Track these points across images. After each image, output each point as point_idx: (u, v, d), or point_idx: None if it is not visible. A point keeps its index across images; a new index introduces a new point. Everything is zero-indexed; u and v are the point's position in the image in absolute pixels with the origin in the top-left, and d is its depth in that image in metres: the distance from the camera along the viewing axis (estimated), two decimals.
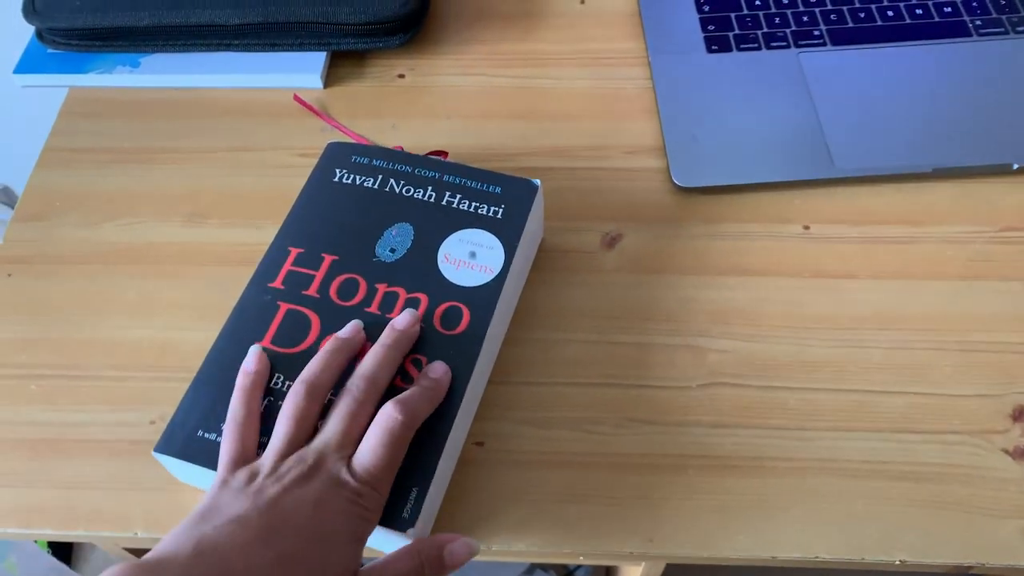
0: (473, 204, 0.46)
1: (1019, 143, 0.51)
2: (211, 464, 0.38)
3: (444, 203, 0.46)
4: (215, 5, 0.57)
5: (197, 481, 0.42)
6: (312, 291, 0.43)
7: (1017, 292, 0.47)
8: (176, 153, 0.56)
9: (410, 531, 0.37)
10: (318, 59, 0.59)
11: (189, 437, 0.39)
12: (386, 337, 0.40)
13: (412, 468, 0.38)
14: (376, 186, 0.47)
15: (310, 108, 0.57)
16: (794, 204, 0.51)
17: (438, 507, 0.41)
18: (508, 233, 0.45)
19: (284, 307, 0.43)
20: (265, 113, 0.58)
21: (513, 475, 0.43)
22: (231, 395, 0.40)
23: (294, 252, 0.45)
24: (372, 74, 0.60)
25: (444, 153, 0.53)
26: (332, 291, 0.43)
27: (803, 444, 0.43)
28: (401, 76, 0.59)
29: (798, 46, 0.57)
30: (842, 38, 0.57)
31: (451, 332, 0.42)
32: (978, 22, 0.57)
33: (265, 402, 0.40)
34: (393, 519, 0.37)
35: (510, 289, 0.45)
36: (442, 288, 0.43)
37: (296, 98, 0.58)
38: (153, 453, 0.40)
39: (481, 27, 0.62)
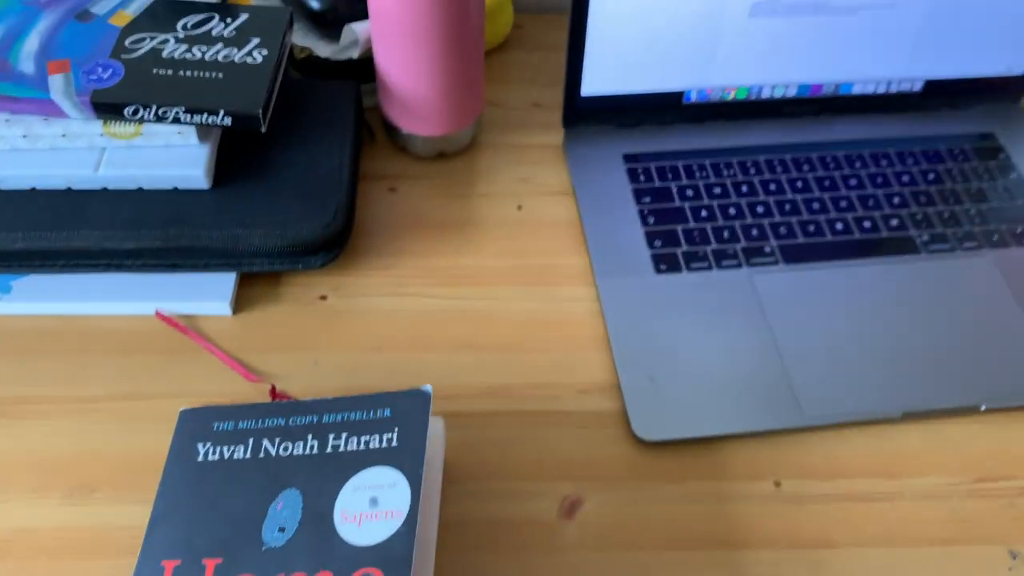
0: (362, 440, 0.40)
1: (983, 381, 0.49)
2: None
3: (329, 450, 0.40)
4: (105, 226, 0.49)
5: None
6: None
7: (997, 558, 0.44)
8: (54, 403, 0.48)
9: None
10: (226, 281, 0.52)
11: None
12: None
13: None
14: (248, 455, 0.41)
15: (177, 326, 0.50)
16: (763, 455, 0.48)
17: None
18: (409, 460, 0.39)
19: None
20: (165, 348, 0.50)
21: None
22: None
23: (169, 567, 0.37)
24: (290, 295, 0.53)
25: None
26: None
27: None
28: (323, 298, 0.53)
29: (750, 265, 0.54)
30: (793, 255, 0.55)
31: None
32: (925, 237, 0.56)
33: None
34: None
35: (426, 526, 0.39)
36: (348, 558, 0.37)
37: (159, 315, 0.51)
38: None
39: (412, 238, 0.56)
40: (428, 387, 0.41)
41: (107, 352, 0.50)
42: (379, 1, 0.51)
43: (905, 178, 0.60)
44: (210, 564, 0.37)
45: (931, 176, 0.60)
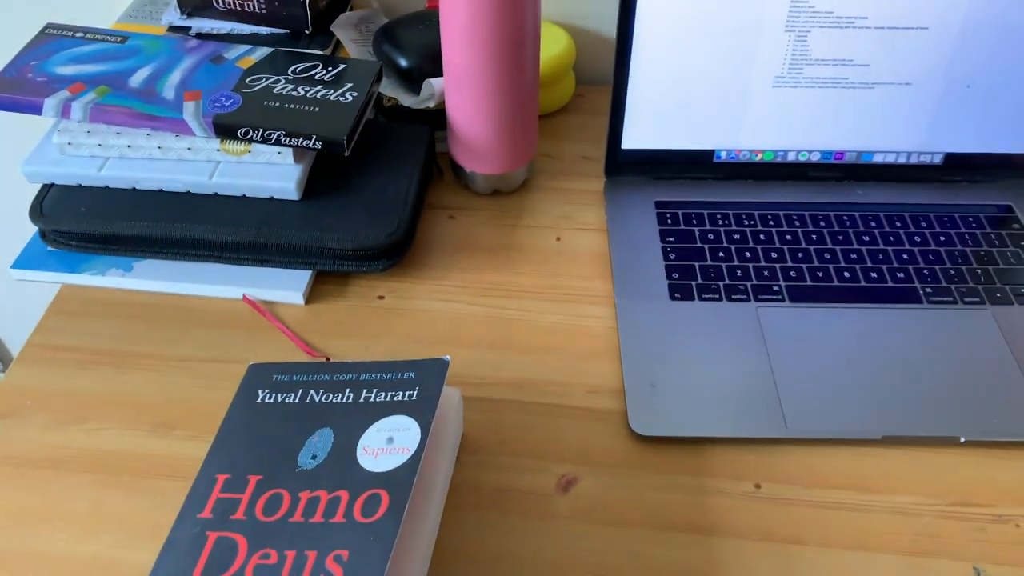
0: (389, 394, 0.48)
1: (965, 416, 0.53)
2: None
3: (362, 400, 0.48)
4: (210, 222, 0.60)
5: None
6: (239, 514, 0.44)
7: (962, 574, 0.47)
8: (154, 359, 0.58)
9: None
10: (303, 277, 0.62)
11: None
12: None
13: None
14: (297, 400, 0.49)
15: (259, 310, 0.60)
16: (747, 460, 0.52)
17: None
18: (423, 411, 0.47)
19: (213, 536, 0.43)
20: (245, 326, 0.60)
21: None
22: None
23: (221, 479, 0.46)
24: (354, 293, 0.63)
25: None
26: (258, 510, 0.44)
27: None
28: (381, 297, 0.62)
29: (758, 300, 0.60)
30: (800, 295, 0.60)
31: (371, 519, 0.42)
32: (928, 290, 0.61)
33: None
34: None
35: (432, 466, 0.47)
36: (362, 481, 0.44)
37: (245, 298, 0.60)
38: None
39: (463, 256, 0.65)
40: (447, 357, 0.49)
41: (200, 324, 0.60)
42: (450, 59, 0.62)
43: (917, 238, 0.65)
44: (252, 479, 0.46)
45: (943, 238, 0.65)
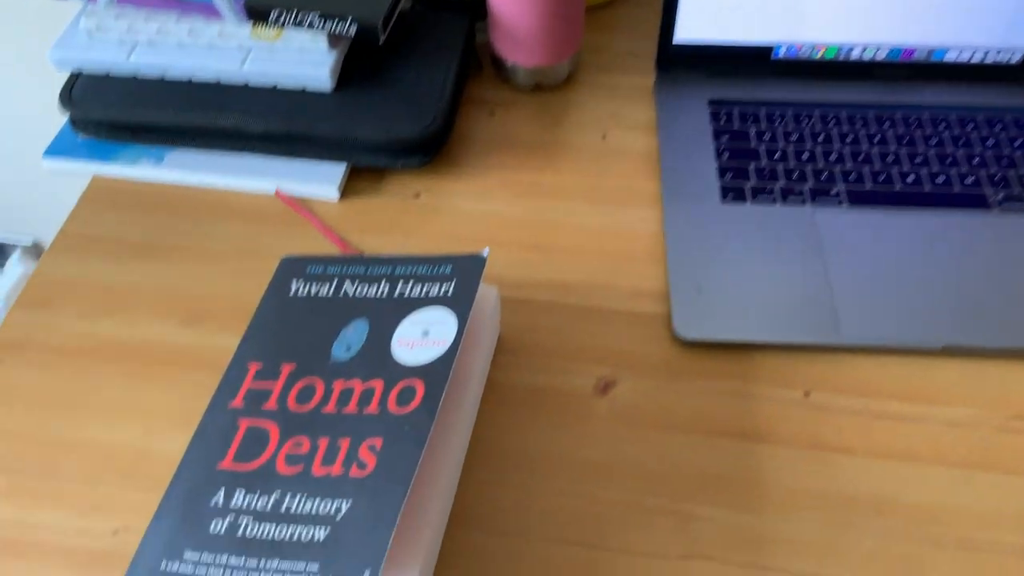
0: (424, 288, 0.46)
1: None
2: None
3: (397, 294, 0.47)
4: (241, 111, 0.58)
5: None
6: (271, 404, 0.43)
7: (1021, 488, 0.45)
8: (186, 251, 0.57)
9: None
10: (337, 171, 0.60)
11: (152, 570, 0.38)
12: None
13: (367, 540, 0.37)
14: (331, 292, 0.48)
15: (292, 205, 0.58)
16: (796, 367, 0.50)
17: None
18: (460, 305, 0.45)
19: (244, 424, 0.43)
20: (278, 220, 0.58)
21: None
22: (191, 524, 0.39)
23: (253, 368, 0.45)
24: (389, 190, 0.60)
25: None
26: (291, 399, 0.43)
27: None
28: (417, 195, 0.60)
29: (814, 203, 0.57)
30: (860, 199, 0.57)
31: (406, 410, 0.41)
32: (999, 196, 0.57)
33: (225, 524, 0.39)
34: None
35: (468, 360, 0.45)
36: (397, 372, 0.43)
37: (278, 193, 0.59)
38: None
39: (502, 153, 0.62)
40: (485, 251, 0.47)
41: (233, 218, 0.59)
42: None
43: (989, 142, 0.60)
44: (285, 368, 0.45)
45: (1017, 143, 0.60)
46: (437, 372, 0.42)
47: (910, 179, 0.58)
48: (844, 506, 0.45)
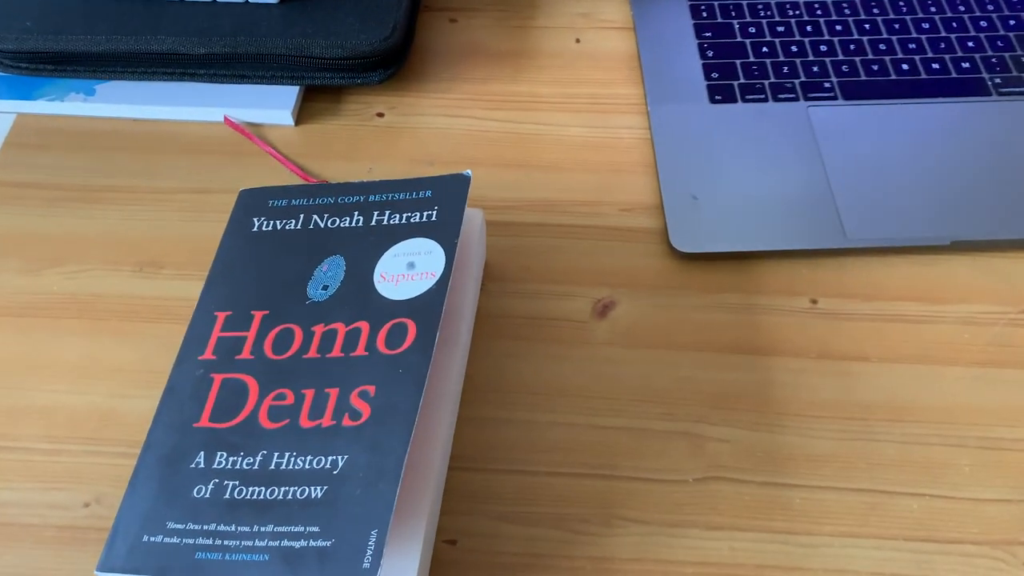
0: (404, 216, 0.42)
1: None
2: (161, 571, 0.34)
3: (374, 224, 0.43)
4: (179, 32, 0.52)
5: None
6: (246, 354, 0.39)
7: None
8: (131, 192, 0.51)
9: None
10: (290, 93, 0.54)
11: (133, 546, 0.35)
12: None
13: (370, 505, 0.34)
14: (299, 227, 0.43)
15: (243, 132, 0.53)
16: (801, 275, 0.48)
17: None
18: (446, 232, 0.41)
19: (218, 378, 0.39)
20: (230, 151, 0.53)
21: None
22: (171, 491, 0.35)
23: (221, 316, 0.41)
24: (349, 111, 0.55)
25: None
26: (267, 348, 0.39)
27: (809, 552, 0.39)
28: (380, 115, 0.55)
29: (807, 99, 0.53)
30: (854, 92, 0.54)
31: (398, 351, 0.38)
32: (998, 80, 0.54)
33: (209, 488, 0.35)
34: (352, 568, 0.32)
35: (459, 291, 0.42)
36: (383, 310, 0.39)
37: (227, 120, 0.53)
38: (96, 573, 0.34)
39: (469, 65, 0.57)
40: (468, 171, 0.43)
41: (179, 152, 0.53)
42: None
43: (984, 23, 0.57)
44: (258, 315, 0.41)
45: (1012, 22, 0.57)
46: (428, 307, 0.39)
47: (905, 67, 0.55)
48: (861, 415, 0.43)
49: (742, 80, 0.54)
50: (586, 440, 0.42)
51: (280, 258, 0.42)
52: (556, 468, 0.41)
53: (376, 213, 0.43)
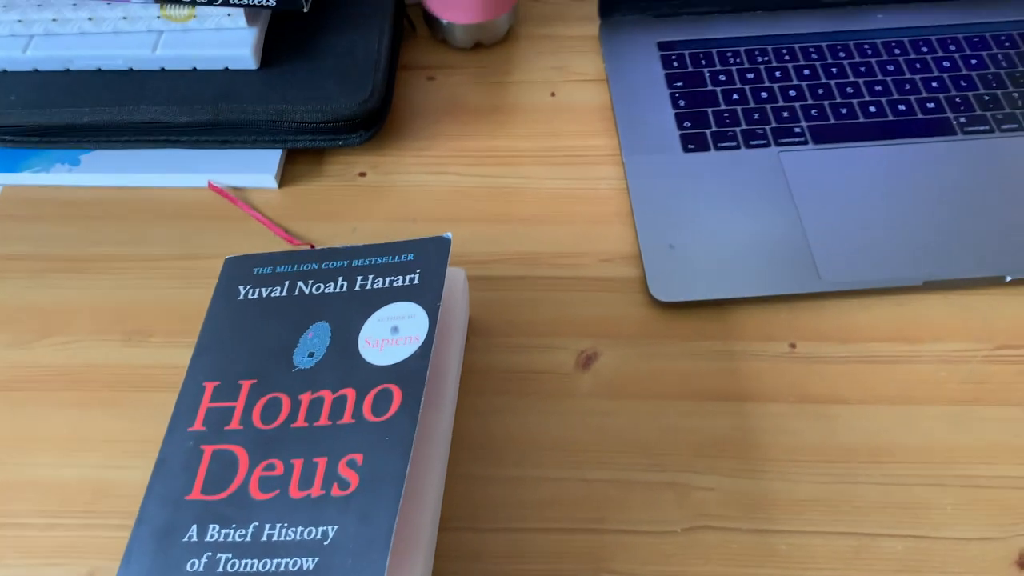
0: (387, 279, 0.43)
1: (1010, 253, 0.49)
2: None
3: (357, 288, 0.43)
4: (161, 101, 0.53)
5: None
6: (235, 424, 0.40)
7: (1017, 419, 0.45)
8: (117, 261, 0.52)
9: None
10: (273, 157, 0.55)
11: None
12: None
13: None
14: (284, 293, 0.44)
15: (228, 197, 0.54)
16: (779, 319, 0.49)
17: None
18: (428, 295, 0.42)
19: (209, 450, 0.39)
20: (215, 216, 0.54)
21: None
22: (165, 566, 0.36)
23: (210, 387, 0.41)
24: (331, 172, 0.56)
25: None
26: (255, 417, 0.40)
27: None
28: (362, 174, 0.56)
29: (779, 144, 0.55)
30: (824, 136, 0.55)
31: (384, 417, 0.38)
32: (963, 119, 0.55)
33: (203, 562, 0.36)
34: None
35: (444, 354, 0.42)
36: (368, 376, 0.40)
37: (211, 185, 0.54)
38: None
39: (448, 121, 0.59)
40: (448, 234, 0.44)
41: (165, 219, 0.54)
42: None
43: (946, 63, 0.59)
44: (245, 384, 0.41)
45: (973, 61, 0.59)
46: (413, 372, 0.39)
47: (872, 109, 0.56)
48: (842, 458, 0.44)
49: (714, 128, 0.56)
50: (574, 494, 0.43)
51: (266, 326, 0.43)
52: (545, 524, 0.42)
53: (360, 278, 0.44)
